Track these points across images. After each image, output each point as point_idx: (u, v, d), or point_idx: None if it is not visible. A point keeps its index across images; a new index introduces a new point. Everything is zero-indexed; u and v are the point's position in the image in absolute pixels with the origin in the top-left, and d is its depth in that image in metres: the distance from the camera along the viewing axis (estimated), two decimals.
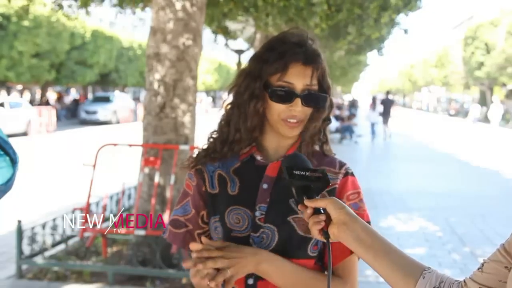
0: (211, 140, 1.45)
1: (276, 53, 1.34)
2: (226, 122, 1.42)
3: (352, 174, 1.43)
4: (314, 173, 1.18)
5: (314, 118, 1.38)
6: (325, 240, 1.13)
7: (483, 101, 42.04)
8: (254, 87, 1.35)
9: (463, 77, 42.00)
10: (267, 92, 1.34)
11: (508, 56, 33.01)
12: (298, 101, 1.32)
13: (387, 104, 21.14)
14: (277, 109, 1.34)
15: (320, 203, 1.14)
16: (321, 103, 1.36)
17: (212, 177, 1.43)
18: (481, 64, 36.57)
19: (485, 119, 35.34)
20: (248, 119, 1.37)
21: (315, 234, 1.14)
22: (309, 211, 1.15)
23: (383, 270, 1.09)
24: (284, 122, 1.34)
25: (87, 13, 6.99)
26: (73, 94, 35.62)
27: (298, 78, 1.32)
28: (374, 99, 27.55)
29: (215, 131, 1.46)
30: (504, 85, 38.04)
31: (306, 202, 1.15)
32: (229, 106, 1.43)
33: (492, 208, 8.52)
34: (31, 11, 20.82)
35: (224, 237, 1.37)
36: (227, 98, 1.45)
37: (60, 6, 6.79)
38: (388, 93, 23.07)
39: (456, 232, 6.89)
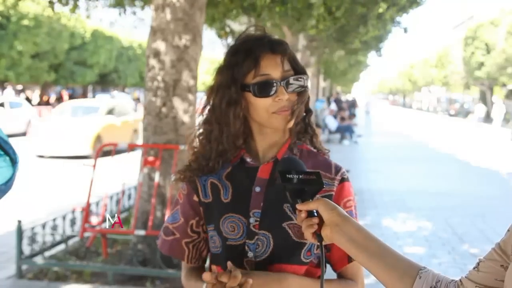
0: (193, 158, 1.42)
1: (243, 53, 1.32)
2: (207, 140, 1.39)
3: (347, 179, 1.41)
4: (308, 176, 1.16)
5: (298, 102, 1.35)
6: (318, 243, 1.12)
7: (483, 101, 42.07)
8: (230, 93, 1.32)
9: (463, 77, 41.99)
10: (248, 91, 1.31)
11: (508, 56, 33.00)
12: (282, 89, 1.30)
13: (339, 103, 24.20)
14: (264, 104, 1.31)
15: (311, 205, 1.13)
16: (304, 84, 1.35)
17: (205, 186, 1.41)
18: (481, 64, 36.56)
19: (486, 119, 35.37)
20: (230, 126, 1.34)
21: (309, 237, 1.14)
22: (303, 214, 1.14)
23: (378, 271, 1.08)
24: (276, 115, 1.32)
25: (73, 10, 6.92)
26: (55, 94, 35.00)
27: (273, 68, 1.31)
28: (328, 99, 29.11)
29: (196, 147, 1.43)
30: (504, 85, 38.04)
31: (298, 206, 1.14)
32: (205, 125, 1.40)
33: (492, 208, 8.52)
34: (30, 11, 20.87)
35: (221, 246, 1.36)
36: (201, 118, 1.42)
37: (51, 4, 6.74)
38: (337, 93, 29.07)
39: (456, 232, 6.89)
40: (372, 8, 7.39)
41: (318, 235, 1.12)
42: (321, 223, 1.13)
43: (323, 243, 1.12)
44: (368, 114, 31.22)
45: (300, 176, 1.16)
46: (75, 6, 6.67)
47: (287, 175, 1.16)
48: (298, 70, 1.36)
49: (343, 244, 1.11)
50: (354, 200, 1.42)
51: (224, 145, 1.36)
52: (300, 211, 1.14)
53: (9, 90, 26.86)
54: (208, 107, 1.39)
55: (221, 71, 1.37)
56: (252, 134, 1.39)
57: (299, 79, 1.33)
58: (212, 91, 1.38)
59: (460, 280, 1.03)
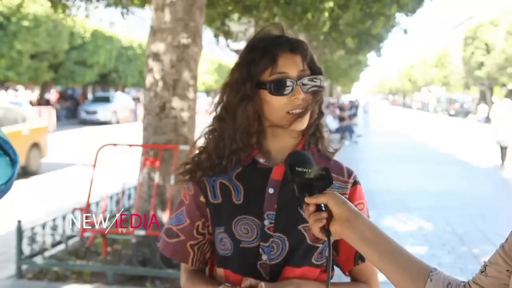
0: (205, 156, 1.38)
1: (260, 50, 1.30)
2: (221, 137, 1.36)
3: (359, 183, 1.41)
4: (317, 171, 1.15)
5: (312, 101, 1.33)
6: (325, 238, 1.10)
7: (483, 101, 42.08)
8: (245, 89, 1.30)
9: (463, 77, 42.01)
10: (264, 88, 1.29)
11: (508, 56, 33.02)
12: (298, 88, 1.28)
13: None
14: (279, 103, 1.29)
15: (321, 198, 1.11)
16: (321, 84, 1.33)
17: (214, 187, 1.38)
18: (481, 64, 36.57)
19: (487, 119, 35.41)
20: (244, 123, 1.32)
21: (316, 232, 1.11)
22: (311, 208, 1.11)
23: (389, 271, 1.05)
24: (290, 115, 1.29)
25: (67, 16, 6.87)
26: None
27: (290, 67, 1.29)
28: None
29: (203, 147, 1.40)
30: (504, 85, 38.03)
31: (307, 199, 1.12)
32: (219, 122, 1.37)
33: (492, 208, 8.52)
34: (30, 11, 20.86)
35: (233, 248, 1.33)
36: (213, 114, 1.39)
37: (62, 5, 6.72)
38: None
39: (456, 232, 6.89)
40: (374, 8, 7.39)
41: (326, 229, 1.10)
42: (329, 217, 1.11)
43: (331, 238, 1.10)
44: (367, 113, 31.36)
45: (309, 170, 1.14)
46: (71, 5, 6.67)
47: (296, 168, 1.15)
48: (315, 70, 1.34)
49: (354, 241, 1.08)
50: (366, 203, 1.41)
51: (238, 143, 1.33)
52: (308, 204, 1.12)
53: (21, 91, 26.87)
54: (222, 104, 1.37)
55: (237, 67, 1.35)
56: (265, 134, 1.36)
57: (315, 79, 1.31)
58: (226, 87, 1.36)
59: (468, 283, 1.01)
